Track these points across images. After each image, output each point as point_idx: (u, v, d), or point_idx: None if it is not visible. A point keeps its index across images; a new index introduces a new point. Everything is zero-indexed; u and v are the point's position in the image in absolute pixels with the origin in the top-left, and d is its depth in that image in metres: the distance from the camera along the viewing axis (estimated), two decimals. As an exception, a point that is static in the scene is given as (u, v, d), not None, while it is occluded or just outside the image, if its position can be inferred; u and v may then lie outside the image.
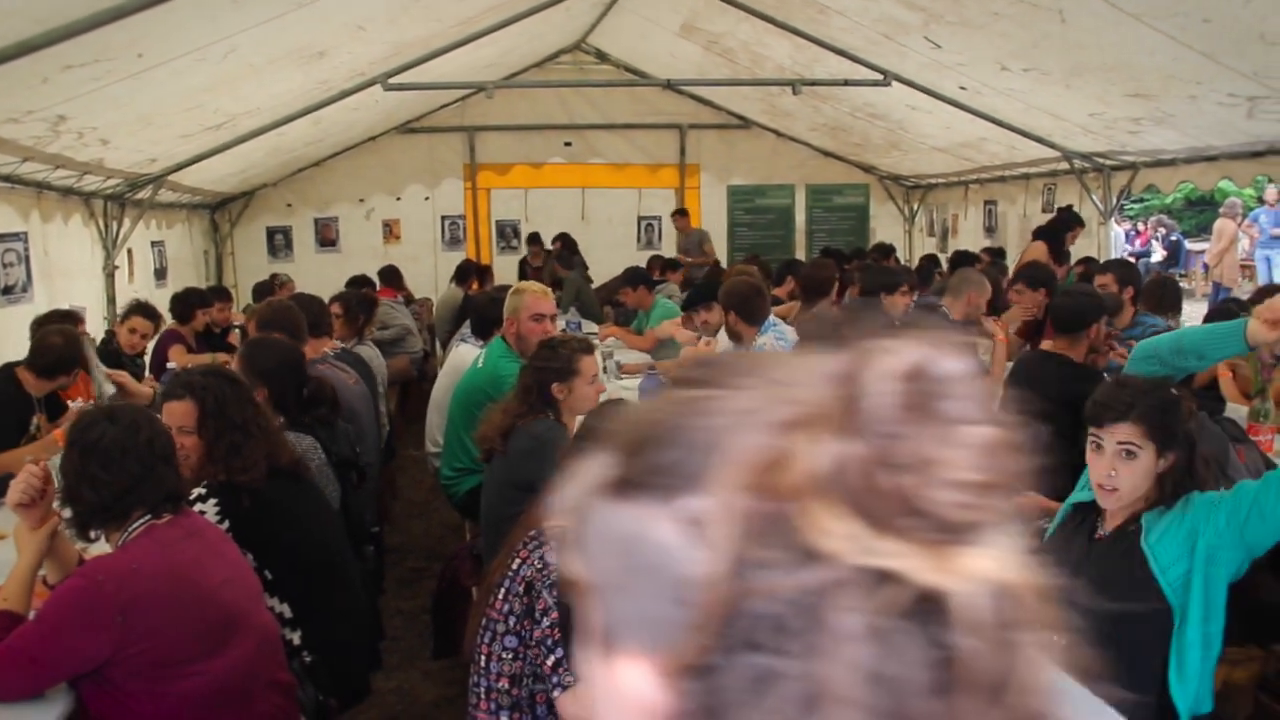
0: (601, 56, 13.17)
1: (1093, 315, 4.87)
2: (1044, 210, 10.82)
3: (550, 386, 3.97)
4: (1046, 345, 5.36)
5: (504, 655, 2.60)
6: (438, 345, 11.12)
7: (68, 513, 2.95)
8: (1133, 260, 8.53)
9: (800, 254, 13.87)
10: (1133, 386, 2.88)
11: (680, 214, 13.27)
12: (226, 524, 3.17)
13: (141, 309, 7.03)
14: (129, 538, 2.65)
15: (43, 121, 6.17)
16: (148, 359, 7.36)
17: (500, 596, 2.62)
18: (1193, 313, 11.29)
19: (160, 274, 10.35)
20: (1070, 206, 9.58)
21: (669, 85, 11.17)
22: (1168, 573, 2.74)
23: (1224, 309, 5.93)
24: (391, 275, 10.92)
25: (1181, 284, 17.30)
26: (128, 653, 2.51)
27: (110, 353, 6.67)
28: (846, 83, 9.43)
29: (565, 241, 12.50)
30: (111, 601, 2.48)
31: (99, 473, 2.59)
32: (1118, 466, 2.83)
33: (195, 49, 6.02)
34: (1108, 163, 9.70)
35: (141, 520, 2.65)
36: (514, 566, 2.62)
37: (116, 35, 5.00)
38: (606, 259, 12.78)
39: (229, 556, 2.85)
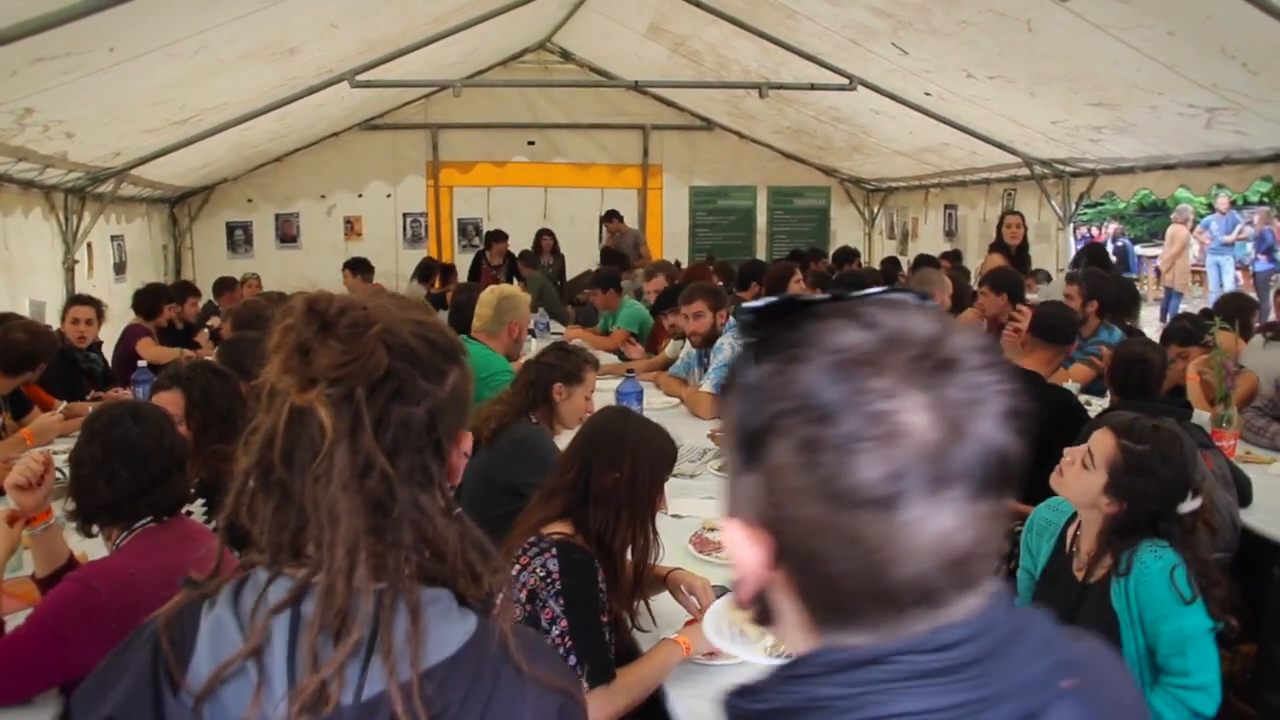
0: (566, 56, 13.17)
1: (1073, 329, 4.92)
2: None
3: (553, 385, 3.98)
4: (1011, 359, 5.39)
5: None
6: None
7: (57, 510, 2.92)
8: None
9: (761, 255, 13.96)
10: (1147, 424, 2.90)
11: (611, 217, 13.17)
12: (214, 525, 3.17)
13: (74, 299, 6.91)
14: (126, 540, 2.63)
15: (9, 114, 6.08)
16: (109, 354, 7.27)
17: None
18: (1146, 316, 11.46)
19: (119, 269, 10.22)
20: (1005, 211, 9.75)
21: (636, 86, 11.21)
22: (1134, 641, 2.76)
23: (1179, 328, 5.99)
24: (364, 267, 10.71)
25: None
26: None
27: (65, 352, 6.55)
28: (813, 87, 9.51)
29: (553, 239, 12.57)
30: (107, 607, 2.44)
31: (120, 469, 2.57)
32: (1076, 462, 2.90)
33: (168, 44, 5.97)
34: (1068, 169, 9.85)
35: (142, 523, 2.63)
36: (513, 572, 2.62)
37: (90, 28, 4.94)
38: (569, 258, 12.82)
39: (223, 560, 2.82)
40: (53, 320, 7.96)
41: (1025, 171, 10.19)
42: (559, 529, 2.69)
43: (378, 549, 1.14)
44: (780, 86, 9.74)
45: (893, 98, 9.43)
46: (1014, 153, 9.92)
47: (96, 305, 6.88)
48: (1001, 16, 6.90)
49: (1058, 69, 7.46)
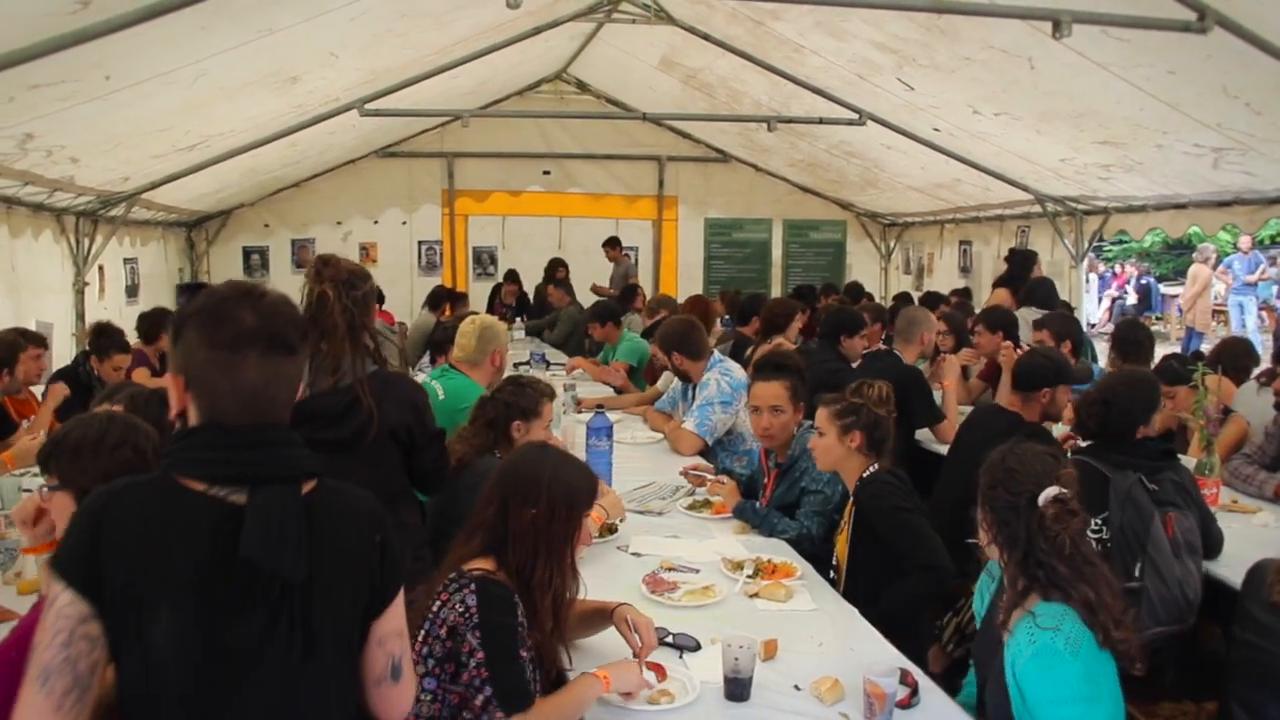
0: (582, 87, 13.22)
1: (1048, 379, 4.77)
2: (1018, 252, 10.85)
3: (512, 423, 4.05)
4: (1001, 399, 5.27)
5: (422, 697, 2.57)
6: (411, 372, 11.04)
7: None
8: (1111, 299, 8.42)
9: (777, 288, 13.94)
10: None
11: (613, 244, 13.13)
12: None
13: (120, 346, 6.90)
14: None
15: (10, 139, 6.15)
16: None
17: (420, 639, 2.59)
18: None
19: (131, 291, 10.30)
20: (1012, 249, 9.61)
21: (645, 118, 11.22)
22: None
23: (1166, 367, 5.89)
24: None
25: (1156, 327, 17.41)
26: None
27: (82, 378, 6.61)
28: (822, 121, 9.50)
29: (565, 269, 12.54)
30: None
31: None
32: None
33: (162, 72, 6.01)
34: (1080, 207, 9.76)
35: None
36: (434, 608, 2.60)
37: (82, 57, 4.98)
38: (583, 288, 12.81)
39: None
40: (63, 342, 8.07)
41: (1038, 209, 10.09)
42: (480, 565, 2.67)
43: (353, 350, 3.42)
44: (789, 120, 9.72)
45: (902, 133, 9.40)
46: (1026, 189, 9.84)
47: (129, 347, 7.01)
48: (1004, 53, 6.87)
49: (1063, 106, 7.41)
